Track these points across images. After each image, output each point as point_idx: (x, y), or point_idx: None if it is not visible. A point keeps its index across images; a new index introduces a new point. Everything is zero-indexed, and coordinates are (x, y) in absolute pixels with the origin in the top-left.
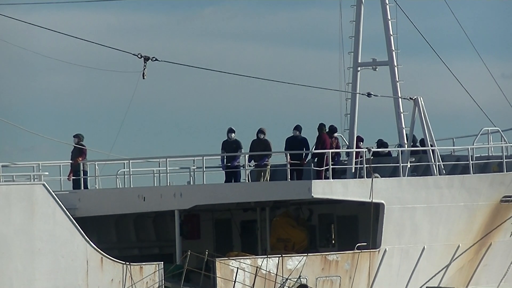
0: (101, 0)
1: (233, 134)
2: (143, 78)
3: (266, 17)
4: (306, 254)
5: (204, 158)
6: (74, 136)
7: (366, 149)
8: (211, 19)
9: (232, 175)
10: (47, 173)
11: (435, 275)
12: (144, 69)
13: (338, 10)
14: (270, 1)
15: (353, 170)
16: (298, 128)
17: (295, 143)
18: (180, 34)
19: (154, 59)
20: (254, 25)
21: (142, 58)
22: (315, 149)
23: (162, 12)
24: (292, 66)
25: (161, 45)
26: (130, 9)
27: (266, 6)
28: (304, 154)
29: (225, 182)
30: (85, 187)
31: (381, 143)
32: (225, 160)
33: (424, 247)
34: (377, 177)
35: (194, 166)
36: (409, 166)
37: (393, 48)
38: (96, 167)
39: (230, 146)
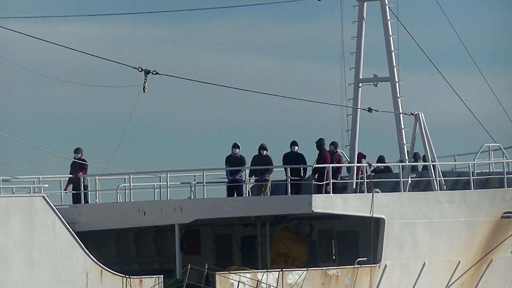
0: (108, 14)
1: (238, 149)
2: (144, 92)
3: (271, 30)
4: (306, 269)
5: (205, 172)
6: (75, 151)
7: (367, 164)
8: (216, 32)
9: (235, 190)
10: (47, 185)
11: None
12: (145, 82)
13: (343, 24)
14: (275, 14)
15: (354, 186)
16: (295, 143)
17: (293, 159)
18: (185, 46)
19: (154, 72)
20: (258, 38)
21: (143, 71)
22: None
23: (168, 25)
24: (296, 80)
25: (166, 57)
26: (136, 22)
27: (271, 19)
28: (303, 170)
29: (227, 196)
30: (85, 201)
31: (380, 159)
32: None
33: (424, 263)
34: (378, 192)
35: (195, 181)
36: (410, 182)
37: (395, 64)
38: (97, 181)
39: (235, 162)
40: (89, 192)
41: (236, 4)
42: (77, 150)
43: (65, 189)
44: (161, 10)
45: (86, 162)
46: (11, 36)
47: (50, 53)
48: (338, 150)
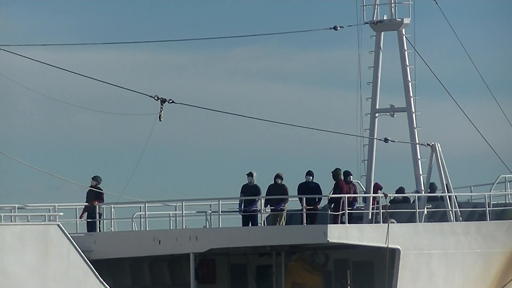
0: (128, 42)
1: (252, 178)
2: (160, 120)
3: (291, 58)
4: None
5: (220, 201)
6: (92, 179)
7: (383, 195)
8: (237, 60)
9: (249, 220)
10: (61, 213)
11: None
12: (161, 111)
13: (364, 53)
14: (295, 43)
15: (370, 216)
16: (310, 173)
17: (308, 189)
18: (206, 74)
19: (170, 101)
20: (279, 66)
21: (159, 100)
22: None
23: (189, 53)
24: (312, 109)
25: (187, 85)
26: (157, 49)
27: (291, 48)
28: (317, 199)
29: (242, 226)
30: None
31: (400, 191)
32: (242, 204)
33: None
34: (393, 223)
35: (210, 210)
36: (425, 212)
37: (411, 95)
38: (112, 209)
39: (249, 191)
40: (104, 220)
41: (258, 32)
42: (94, 178)
43: (81, 217)
44: (182, 39)
45: (102, 191)
46: (31, 64)
47: (70, 80)
48: (353, 180)
